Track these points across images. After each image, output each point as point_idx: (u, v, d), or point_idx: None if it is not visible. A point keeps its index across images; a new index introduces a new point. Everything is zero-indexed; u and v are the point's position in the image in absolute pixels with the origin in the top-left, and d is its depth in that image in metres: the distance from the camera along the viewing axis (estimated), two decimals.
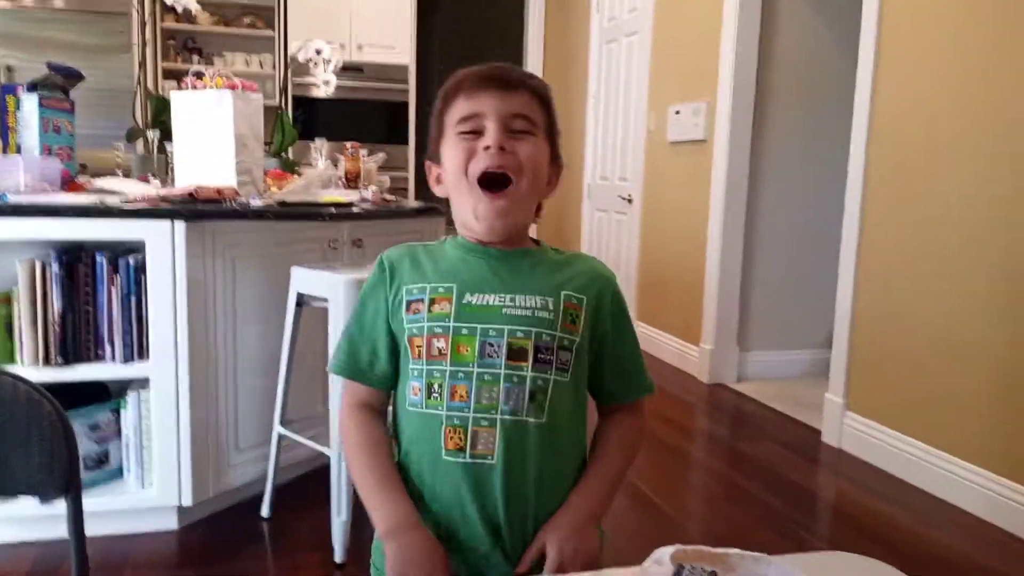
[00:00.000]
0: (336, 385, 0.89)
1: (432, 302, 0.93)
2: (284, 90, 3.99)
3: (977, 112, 2.52)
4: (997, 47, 2.45)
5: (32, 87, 2.58)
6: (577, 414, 0.98)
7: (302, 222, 2.36)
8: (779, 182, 4.00)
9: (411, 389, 0.94)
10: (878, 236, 2.94)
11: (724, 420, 3.57)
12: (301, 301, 2.21)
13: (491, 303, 0.92)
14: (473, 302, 0.92)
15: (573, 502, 0.95)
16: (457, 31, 8.40)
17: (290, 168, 3.14)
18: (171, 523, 2.22)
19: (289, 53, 5.23)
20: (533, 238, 1.05)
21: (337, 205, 2.42)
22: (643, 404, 1.07)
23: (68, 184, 2.47)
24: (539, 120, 0.97)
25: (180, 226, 2.06)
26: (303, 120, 5.30)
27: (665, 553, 0.84)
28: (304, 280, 2.18)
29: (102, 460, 2.19)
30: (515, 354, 0.90)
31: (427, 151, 1.04)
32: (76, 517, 1.06)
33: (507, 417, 0.90)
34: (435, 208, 2.92)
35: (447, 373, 0.91)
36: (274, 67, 5.66)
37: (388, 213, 2.66)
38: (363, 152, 3.17)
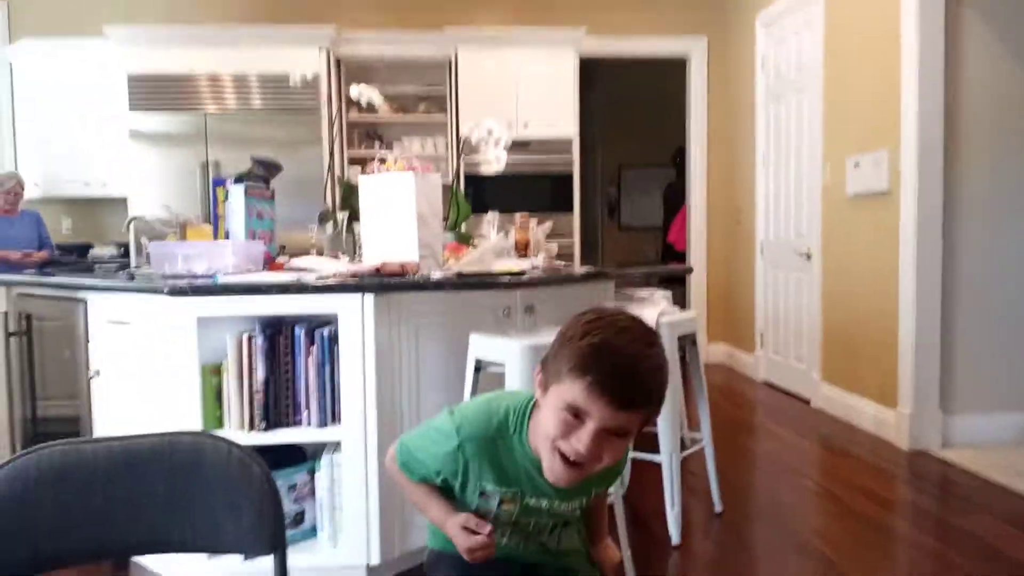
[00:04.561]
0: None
1: (502, 501, 1.19)
2: (457, 169, 4.21)
3: None
4: None
5: (239, 179, 2.87)
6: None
7: (478, 291, 2.45)
8: (977, 229, 3.68)
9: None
10: None
11: (930, 491, 3.25)
12: (479, 366, 2.27)
13: (543, 506, 1.20)
14: (531, 504, 1.19)
15: (604, 540, 1.37)
16: (619, 98, 8.55)
17: (465, 240, 3.27)
18: None
19: (462, 134, 5.51)
20: None
21: (511, 275, 2.49)
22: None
23: (270, 264, 2.71)
24: (636, 427, 1.07)
25: (369, 299, 2.20)
26: (474, 195, 5.52)
27: None
28: (482, 346, 2.24)
29: (299, 519, 2.32)
30: (552, 527, 1.25)
31: (543, 363, 1.12)
32: (281, 572, 1.12)
33: (543, 548, 1.26)
34: (604, 273, 2.93)
35: (508, 533, 1.23)
36: (447, 148, 5.98)
37: (558, 279, 2.69)
38: (532, 222, 3.26)
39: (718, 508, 2.95)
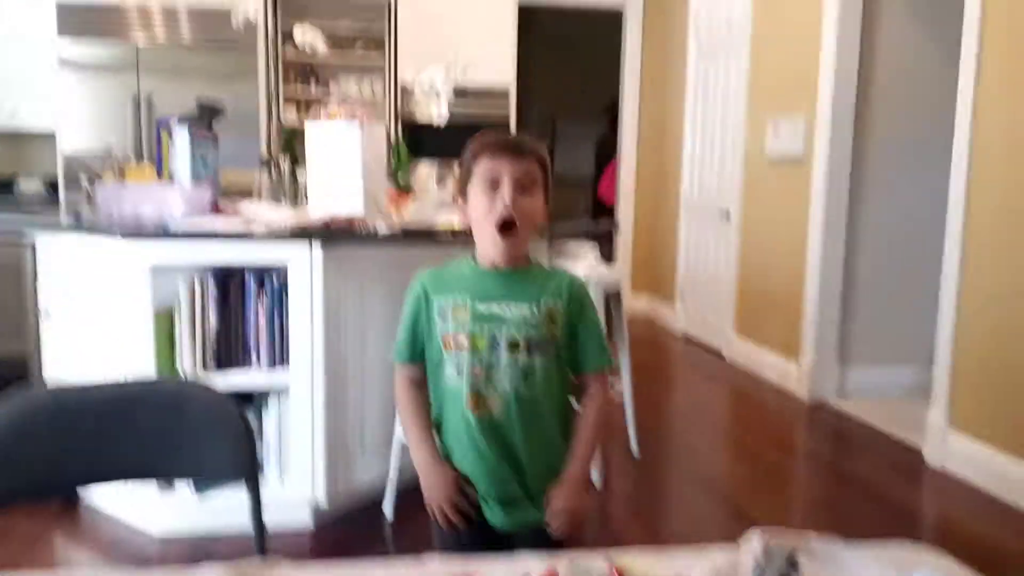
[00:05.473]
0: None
1: (455, 310, 1.29)
2: (397, 120, 4.25)
3: None
4: None
5: (183, 121, 2.88)
6: (558, 384, 1.34)
7: (422, 246, 2.57)
8: (881, 195, 3.98)
9: (447, 369, 1.30)
10: (982, 250, 2.92)
11: (823, 439, 3.58)
12: None
13: (495, 311, 1.28)
14: (482, 310, 1.28)
15: (570, 472, 1.32)
16: (555, 50, 8.60)
17: (406, 189, 3.36)
18: (306, 517, 2.45)
19: (401, 81, 5.52)
20: (529, 257, 1.37)
21: (452, 232, 2.61)
22: (605, 378, 1.39)
23: (214, 208, 2.75)
24: (539, 179, 1.32)
25: (318, 250, 2.30)
26: (409, 142, 5.55)
27: (755, 534, 1.00)
28: None
29: None
30: (512, 347, 1.27)
31: (456, 188, 1.38)
32: (255, 498, 1.26)
33: (508, 390, 1.28)
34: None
35: (468, 360, 1.28)
36: (384, 91, 5.96)
37: None
38: None
39: (636, 454, 3.18)
